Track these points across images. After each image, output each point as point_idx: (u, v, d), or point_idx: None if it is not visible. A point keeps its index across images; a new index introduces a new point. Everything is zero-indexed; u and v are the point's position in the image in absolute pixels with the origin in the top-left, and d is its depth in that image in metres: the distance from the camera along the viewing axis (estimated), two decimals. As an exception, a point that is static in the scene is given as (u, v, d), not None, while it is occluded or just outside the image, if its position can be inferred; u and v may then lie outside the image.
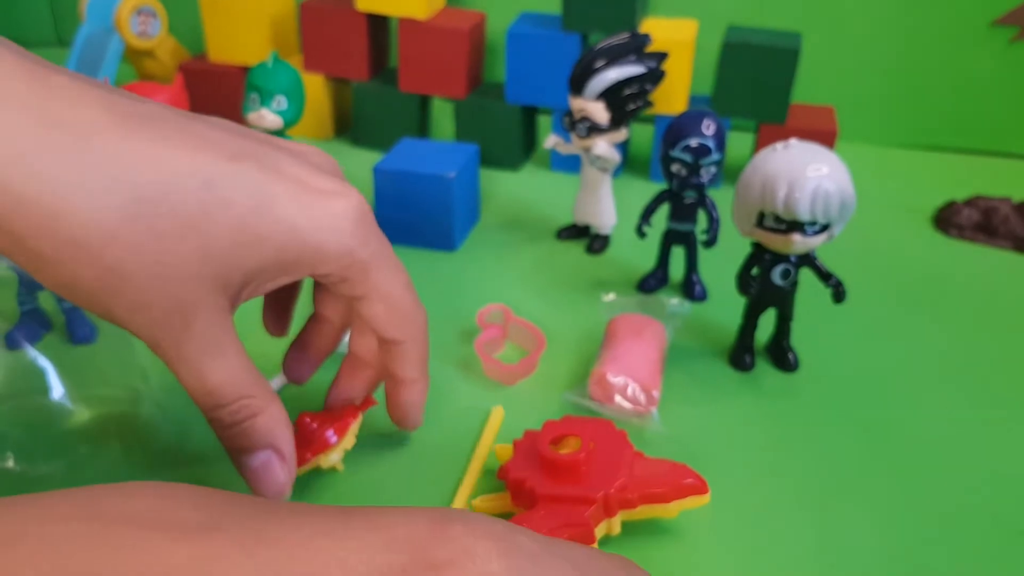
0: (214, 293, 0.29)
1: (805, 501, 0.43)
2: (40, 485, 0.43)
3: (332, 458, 0.42)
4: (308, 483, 0.43)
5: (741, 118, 0.75)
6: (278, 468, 0.34)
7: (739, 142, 0.79)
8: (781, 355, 0.53)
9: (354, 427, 0.43)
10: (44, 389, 0.44)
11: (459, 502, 0.41)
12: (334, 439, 0.41)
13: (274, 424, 0.33)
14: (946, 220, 0.70)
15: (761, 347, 0.54)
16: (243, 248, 0.29)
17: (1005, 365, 0.54)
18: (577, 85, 0.60)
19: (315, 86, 0.83)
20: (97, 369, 0.47)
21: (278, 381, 0.49)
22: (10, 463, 0.44)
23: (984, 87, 0.83)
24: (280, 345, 0.44)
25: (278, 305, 0.41)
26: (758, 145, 0.75)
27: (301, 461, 0.41)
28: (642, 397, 0.47)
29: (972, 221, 0.69)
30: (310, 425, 0.41)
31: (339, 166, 0.36)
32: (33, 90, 0.25)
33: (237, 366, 0.31)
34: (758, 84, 0.72)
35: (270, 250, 0.29)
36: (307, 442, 0.41)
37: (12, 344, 0.46)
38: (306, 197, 0.30)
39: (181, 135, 0.28)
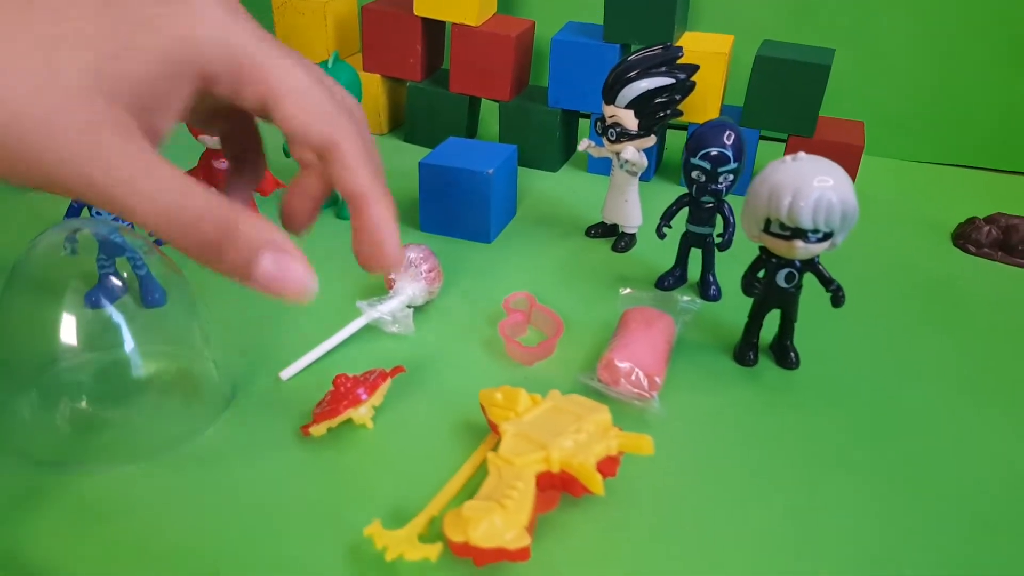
0: (115, 107, 0.27)
1: (788, 485, 0.47)
2: (106, 426, 0.50)
3: (362, 412, 0.48)
4: (340, 435, 0.49)
5: (770, 130, 0.79)
6: (289, 264, 0.28)
7: (770, 151, 0.82)
8: (783, 353, 0.57)
9: (383, 388, 0.49)
10: (117, 344, 0.50)
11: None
12: (364, 396, 0.47)
13: (258, 225, 0.28)
14: (965, 236, 0.73)
15: (766, 345, 0.58)
16: (128, 59, 0.26)
17: (1008, 377, 0.57)
18: (610, 93, 0.65)
19: (373, 84, 0.89)
20: (164, 329, 0.53)
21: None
22: (83, 404, 0.51)
23: (1012, 107, 0.85)
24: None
25: (238, 170, 0.37)
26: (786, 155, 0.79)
27: (334, 413, 0.47)
28: (645, 382, 0.52)
29: (991, 238, 0.72)
30: (344, 383, 0.47)
31: None
32: None
33: (182, 183, 0.27)
34: (788, 97, 0.76)
35: (154, 57, 0.27)
36: (341, 397, 0.47)
37: (91, 303, 0.53)
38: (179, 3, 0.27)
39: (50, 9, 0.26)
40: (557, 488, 0.44)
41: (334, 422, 0.47)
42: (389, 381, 0.49)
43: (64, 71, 0.26)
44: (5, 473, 0.45)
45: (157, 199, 0.26)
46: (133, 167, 0.26)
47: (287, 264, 0.27)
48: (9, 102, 0.25)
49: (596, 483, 0.42)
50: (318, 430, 0.48)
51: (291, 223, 0.34)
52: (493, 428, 0.48)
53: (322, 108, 0.29)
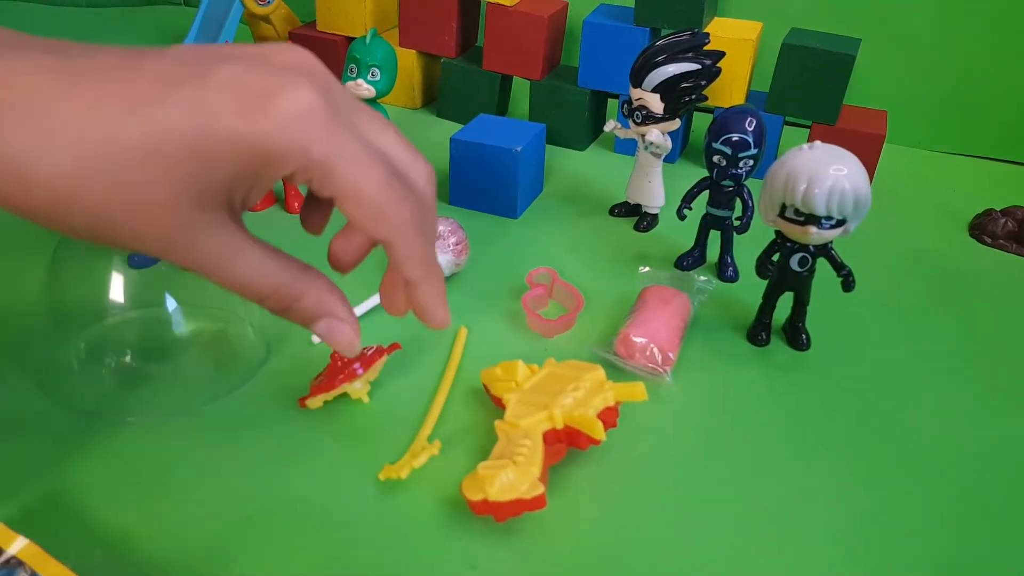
0: (200, 211, 0.30)
1: (792, 460, 0.49)
2: (149, 380, 0.53)
3: (356, 386, 0.50)
4: (336, 408, 0.51)
5: (794, 116, 0.80)
6: (339, 328, 0.36)
7: (794, 137, 0.83)
8: (795, 335, 0.59)
9: (379, 364, 0.51)
10: (160, 302, 0.53)
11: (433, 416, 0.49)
12: (360, 371, 0.50)
13: (319, 299, 0.35)
14: (981, 227, 0.74)
15: (779, 327, 0.60)
16: (203, 169, 0.29)
17: (1015, 367, 0.58)
18: (637, 77, 0.67)
19: (409, 59, 0.91)
20: (205, 291, 0.56)
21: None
22: (127, 359, 0.54)
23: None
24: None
25: (313, 205, 0.40)
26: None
27: (330, 387, 0.49)
28: (659, 357, 0.54)
29: (1006, 230, 0.73)
30: (341, 357, 0.50)
31: (313, 57, 0.33)
32: None
33: (259, 264, 0.33)
34: (812, 85, 0.77)
35: (229, 165, 0.29)
36: (337, 371, 0.49)
37: (135, 264, 0.56)
38: (246, 103, 0.29)
39: (116, 83, 0.29)
40: (563, 443, 0.46)
41: (330, 395, 0.50)
42: (386, 357, 0.52)
43: (154, 185, 0.29)
44: (53, 420, 0.49)
45: (238, 275, 0.32)
46: (218, 255, 0.31)
47: (336, 328, 0.36)
48: (95, 210, 0.29)
49: (598, 430, 0.44)
50: (315, 402, 0.50)
51: (337, 265, 0.39)
52: (497, 403, 0.50)
53: (377, 211, 0.32)
